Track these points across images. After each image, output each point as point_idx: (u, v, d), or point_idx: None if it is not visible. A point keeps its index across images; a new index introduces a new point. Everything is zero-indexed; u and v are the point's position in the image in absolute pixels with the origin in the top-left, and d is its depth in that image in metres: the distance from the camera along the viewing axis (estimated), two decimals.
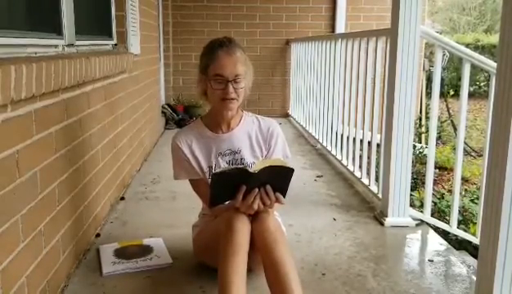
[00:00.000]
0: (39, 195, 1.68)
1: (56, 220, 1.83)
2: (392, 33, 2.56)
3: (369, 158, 3.18)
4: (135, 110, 3.64)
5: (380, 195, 2.80)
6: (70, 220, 2.02)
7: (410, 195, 2.71)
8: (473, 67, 2.61)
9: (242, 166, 1.94)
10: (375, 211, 2.79)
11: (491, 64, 2.53)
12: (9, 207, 1.45)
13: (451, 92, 8.00)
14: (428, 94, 5.65)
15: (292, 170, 1.74)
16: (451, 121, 7.72)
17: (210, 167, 1.98)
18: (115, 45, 3.26)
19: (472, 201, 4.52)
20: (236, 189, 1.74)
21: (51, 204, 1.81)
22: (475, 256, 2.42)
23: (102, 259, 2.14)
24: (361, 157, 3.32)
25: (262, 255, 1.73)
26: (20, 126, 1.53)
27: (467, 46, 6.59)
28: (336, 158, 3.90)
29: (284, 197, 1.79)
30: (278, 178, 1.75)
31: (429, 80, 7.47)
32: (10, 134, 1.46)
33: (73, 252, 2.05)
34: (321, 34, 6.19)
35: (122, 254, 2.18)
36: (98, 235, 2.44)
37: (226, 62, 1.85)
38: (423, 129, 6.89)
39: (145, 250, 2.23)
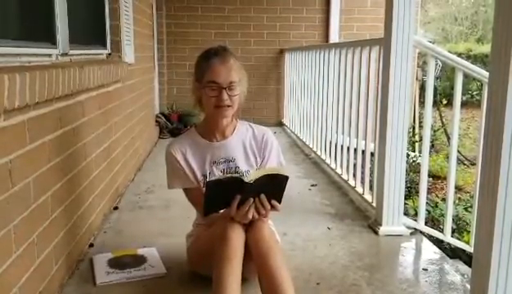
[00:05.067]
0: (32, 205, 1.67)
1: (49, 230, 1.82)
2: (385, 43, 2.58)
3: (363, 166, 3.19)
4: (129, 119, 3.64)
5: (374, 204, 2.80)
6: (64, 230, 2.01)
7: (404, 204, 2.71)
8: (466, 76, 2.63)
9: (237, 175, 1.94)
10: (370, 220, 2.79)
11: (483, 74, 2.55)
12: (1, 217, 1.44)
13: (444, 101, 8.05)
14: (422, 103, 5.69)
15: (286, 177, 1.74)
16: (445, 130, 7.75)
17: (204, 176, 1.98)
18: (109, 54, 3.26)
19: (466, 209, 4.53)
20: (231, 198, 1.73)
21: (45, 214, 1.79)
22: (469, 265, 2.43)
23: (96, 269, 2.13)
24: (355, 166, 3.33)
25: (256, 264, 1.73)
26: (13, 135, 1.53)
27: (459, 55, 6.66)
28: (330, 167, 3.90)
29: (279, 204, 1.79)
30: (273, 186, 1.75)
31: (422, 89, 7.52)
32: (3, 143, 1.46)
33: (66, 262, 2.04)
34: (314, 44, 6.22)
35: (116, 264, 2.17)
36: (92, 245, 2.42)
37: (221, 69, 1.86)
38: (416, 138, 6.92)
39: (139, 260, 2.22)
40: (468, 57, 12.19)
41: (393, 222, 2.63)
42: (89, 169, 2.43)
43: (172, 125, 5.81)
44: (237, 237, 1.73)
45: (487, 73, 2.22)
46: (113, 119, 3.02)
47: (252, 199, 1.74)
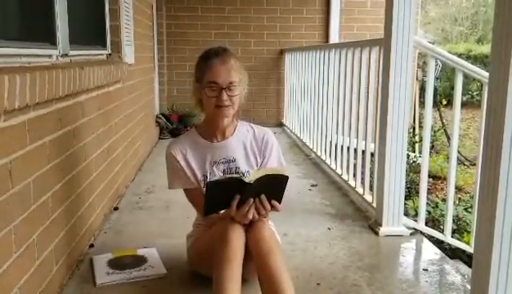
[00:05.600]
0: (32, 206, 1.67)
1: (49, 230, 1.82)
2: (385, 43, 2.58)
3: (363, 167, 3.19)
4: (129, 120, 3.64)
5: (375, 204, 2.80)
6: (64, 231, 2.01)
7: (405, 204, 2.71)
8: (466, 76, 2.63)
9: (237, 175, 1.94)
10: (370, 221, 2.79)
11: (483, 74, 2.55)
12: (1, 218, 1.44)
13: (444, 102, 8.05)
14: (422, 103, 5.68)
15: (287, 177, 1.75)
16: (445, 130, 7.75)
17: (205, 176, 1.97)
18: (110, 55, 3.26)
19: (466, 210, 4.53)
20: (231, 199, 1.73)
21: (45, 215, 1.79)
22: (469, 265, 2.43)
23: (96, 269, 2.13)
24: (355, 166, 3.33)
25: (256, 264, 1.73)
26: (13, 136, 1.53)
27: (459, 55, 6.64)
28: (330, 167, 3.90)
29: (279, 204, 1.79)
30: (273, 186, 1.75)
31: (423, 90, 7.52)
32: (3, 144, 1.46)
33: (66, 263, 2.04)
34: (314, 44, 6.22)
35: (116, 264, 2.17)
36: (92, 246, 2.42)
37: (221, 70, 1.86)
38: (416, 138, 6.91)
39: (140, 260, 2.22)
40: (468, 57, 12.19)
41: (394, 222, 2.62)
42: (89, 169, 2.43)
43: (173, 125, 5.81)
44: (237, 238, 1.73)
45: (487, 74, 2.22)
46: (113, 120, 3.02)
47: (252, 199, 1.74)
